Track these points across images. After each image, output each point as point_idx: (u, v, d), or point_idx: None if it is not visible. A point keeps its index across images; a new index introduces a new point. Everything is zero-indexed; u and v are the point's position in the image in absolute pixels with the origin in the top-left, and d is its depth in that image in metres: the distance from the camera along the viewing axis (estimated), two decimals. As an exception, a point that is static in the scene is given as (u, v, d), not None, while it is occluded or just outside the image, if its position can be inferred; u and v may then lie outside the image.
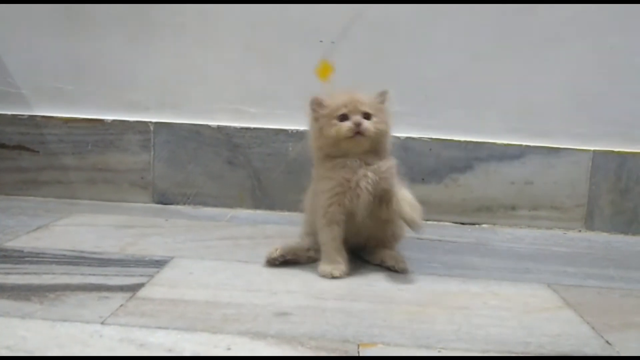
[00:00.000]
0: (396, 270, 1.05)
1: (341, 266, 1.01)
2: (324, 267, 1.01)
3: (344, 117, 1.00)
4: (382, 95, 1.05)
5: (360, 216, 1.02)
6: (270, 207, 1.52)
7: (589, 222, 1.49)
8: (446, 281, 1.03)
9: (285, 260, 1.05)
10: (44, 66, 1.53)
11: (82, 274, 0.96)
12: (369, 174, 1.00)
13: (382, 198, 1.02)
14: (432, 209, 1.49)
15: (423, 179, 1.49)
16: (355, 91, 1.03)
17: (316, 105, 1.03)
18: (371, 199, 1.01)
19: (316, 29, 1.47)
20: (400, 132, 1.47)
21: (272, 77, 1.50)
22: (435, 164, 1.48)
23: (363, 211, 1.02)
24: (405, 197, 1.00)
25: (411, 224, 0.99)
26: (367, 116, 1.01)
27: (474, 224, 1.49)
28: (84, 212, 1.40)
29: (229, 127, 1.50)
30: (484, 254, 1.23)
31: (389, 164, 1.04)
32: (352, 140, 1.00)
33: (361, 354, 0.72)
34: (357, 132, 0.99)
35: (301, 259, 1.07)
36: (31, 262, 1.01)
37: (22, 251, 1.07)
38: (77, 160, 1.53)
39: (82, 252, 1.08)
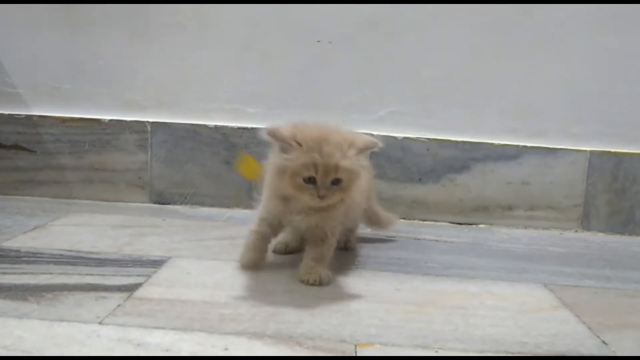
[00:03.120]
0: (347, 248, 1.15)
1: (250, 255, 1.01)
2: (242, 254, 1.02)
3: (310, 179, 0.88)
4: (364, 149, 0.92)
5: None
6: (268, 207, 1.52)
7: (586, 222, 1.49)
8: (443, 281, 1.03)
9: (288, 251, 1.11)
10: (41, 65, 1.52)
11: (79, 274, 0.96)
12: (307, 219, 0.94)
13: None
14: (429, 209, 1.50)
15: (420, 179, 1.49)
16: (332, 137, 0.88)
17: (279, 139, 0.89)
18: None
19: (314, 28, 1.48)
20: (397, 132, 1.48)
21: (270, 77, 1.50)
22: (432, 164, 1.49)
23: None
24: (313, 258, 0.97)
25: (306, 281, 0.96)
26: (336, 181, 0.89)
27: (470, 224, 1.50)
28: (81, 212, 1.39)
29: (227, 127, 1.50)
30: (480, 254, 1.23)
31: (336, 215, 0.96)
32: (313, 204, 0.90)
33: (358, 354, 0.73)
34: (320, 200, 0.89)
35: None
36: (28, 262, 1.00)
37: (19, 251, 1.07)
38: (74, 160, 1.53)
39: (79, 252, 1.08)
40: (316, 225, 0.96)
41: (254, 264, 1.01)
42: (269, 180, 0.96)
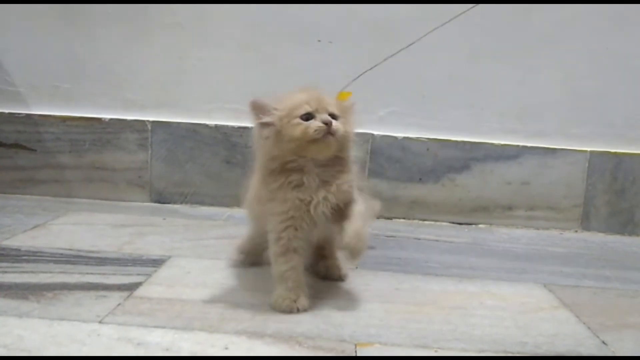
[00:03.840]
0: (341, 280, 1.00)
1: (303, 300, 0.86)
2: (281, 296, 0.86)
3: (308, 117, 0.84)
4: (347, 102, 0.91)
5: (316, 240, 0.93)
6: (268, 206, 1.52)
7: (585, 222, 1.50)
8: (443, 281, 1.03)
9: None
10: (41, 64, 1.52)
11: (79, 273, 0.96)
12: (329, 196, 0.85)
13: (341, 213, 0.87)
14: (429, 209, 1.50)
15: (420, 179, 1.49)
16: (314, 89, 0.88)
17: (260, 109, 0.86)
18: (328, 222, 0.88)
19: (314, 28, 1.48)
20: (397, 132, 1.48)
21: (270, 76, 1.50)
22: (432, 164, 1.49)
23: (319, 235, 0.92)
24: (356, 222, 0.85)
25: (351, 253, 0.84)
26: (333, 117, 0.85)
27: (470, 224, 1.50)
28: (81, 211, 1.39)
29: (227, 126, 1.50)
30: (480, 254, 1.23)
31: (350, 177, 0.89)
32: (321, 143, 0.84)
33: (358, 354, 0.73)
34: (328, 132, 0.83)
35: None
36: (28, 261, 1.01)
37: (19, 250, 1.07)
38: (75, 159, 1.53)
39: (79, 251, 1.08)
40: (340, 193, 0.86)
41: (306, 306, 0.86)
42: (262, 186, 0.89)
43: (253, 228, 1.02)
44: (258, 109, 0.86)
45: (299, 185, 0.85)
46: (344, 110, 0.88)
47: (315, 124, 0.83)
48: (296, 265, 0.87)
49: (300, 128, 0.83)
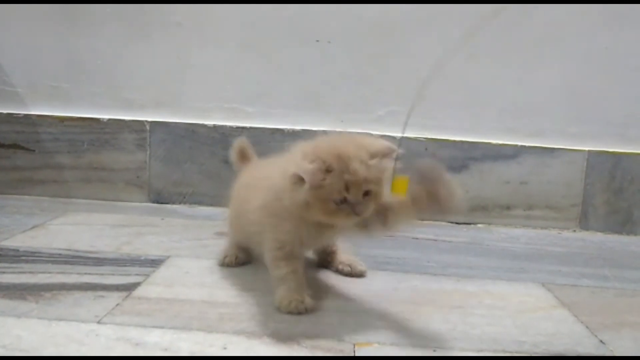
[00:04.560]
0: (353, 276, 1.01)
1: (308, 300, 0.85)
2: (287, 297, 0.85)
3: (341, 202, 0.80)
4: (387, 154, 0.83)
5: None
6: (266, 206, 1.52)
7: (584, 221, 1.50)
8: (441, 280, 1.03)
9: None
10: (39, 64, 1.52)
11: (77, 273, 0.96)
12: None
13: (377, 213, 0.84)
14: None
15: (419, 179, 1.49)
16: (352, 152, 0.80)
17: (307, 180, 0.78)
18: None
19: (313, 28, 1.48)
20: (396, 131, 1.48)
21: (269, 76, 1.50)
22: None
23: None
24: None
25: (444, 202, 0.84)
26: (366, 193, 0.81)
27: (469, 224, 1.50)
28: (79, 211, 1.39)
29: (225, 126, 1.50)
30: (479, 253, 1.23)
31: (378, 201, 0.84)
32: (345, 219, 0.82)
33: (357, 354, 0.73)
34: (354, 212, 0.81)
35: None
36: (27, 261, 1.01)
37: (17, 250, 1.07)
38: (73, 159, 1.53)
39: (77, 251, 1.08)
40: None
41: (313, 306, 0.86)
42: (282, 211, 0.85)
43: (237, 233, 1.04)
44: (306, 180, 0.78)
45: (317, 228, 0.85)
46: (376, 180, 0.81)
47: (345, 214, 0.80)
48: (297, 269, 0.87)
49: (332, 212, 0.80)
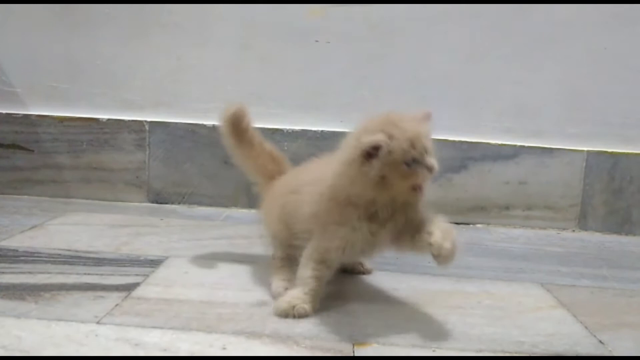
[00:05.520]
0: (363, 273, 1.03)
1: (305, 306, 0.82)
2: (285, 300, 0.83)
3: (412, 162, 0.77)
4: (426, 117, 0.85)
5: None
6: (266, 206, 1.52)
7: (583, 222, 1.50)
8: (440, 281, 1.03)
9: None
10: (38, 65, 1.52)
11: (77, 274, 0.96)
12: (398, 225, 0.83)
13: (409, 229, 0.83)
14: (427, 209, 1.49)
15: (418, 179, 1.49)
16: (404, 116, 0.81)
17: (375, 150, 0.75)
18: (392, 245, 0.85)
19: (312, 28, 1.48)
20: (395, 132, 1.48)
21: (268, 76, 1.50)
22: (430, 163, 1.49)
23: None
24: (441, 224, 0.83)
25: (440, 254, 0.81)
26: (427, 151, 0.79)
27: (468, 224, 1.50)
28: (78, 211, 1.39)
29: (225, 126, 1.50)
30: (478, 253, 1.23)
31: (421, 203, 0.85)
32: (410, 195, 0.81)
33: (356, 354, 0.73)
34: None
35: None
36: (26, 262, 1.00)
37: (16, 250, 1.07)
38: (72, 159, 1.53)
39: (77, 251, 1.08)
40: (409, 220, 0.84)
41: (308, 312, 0.83)
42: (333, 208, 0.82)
43: (281, 240, 0.95)
44: (375, 149, 0.76)
45: (372, 217, 0.81)
46: (428, 131, 0.81)
47: (418, 171, 0.78)
48: (322, 277, 0.84)
49: (404, 174, 0.77)
